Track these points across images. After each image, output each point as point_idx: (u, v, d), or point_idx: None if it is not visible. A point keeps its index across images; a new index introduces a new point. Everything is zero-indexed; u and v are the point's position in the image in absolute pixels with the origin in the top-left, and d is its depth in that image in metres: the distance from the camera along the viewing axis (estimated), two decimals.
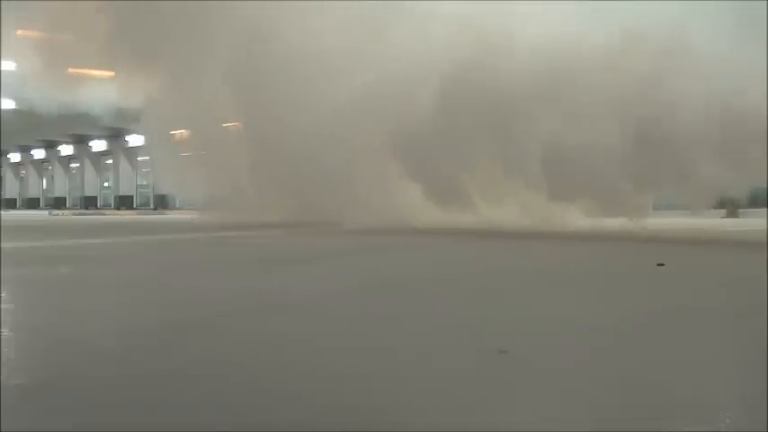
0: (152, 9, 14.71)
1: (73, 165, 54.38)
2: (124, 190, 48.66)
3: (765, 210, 15.22)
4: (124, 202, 47.22)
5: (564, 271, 6.05)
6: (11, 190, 59.36)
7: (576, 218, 12.37)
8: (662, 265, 5.82)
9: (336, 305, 4.04)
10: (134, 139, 42.15)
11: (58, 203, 51.70)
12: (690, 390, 2.29)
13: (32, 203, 56.29)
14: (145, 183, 46.22)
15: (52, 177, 56.37)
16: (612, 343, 2.99)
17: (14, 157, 58.31)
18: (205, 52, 15.06)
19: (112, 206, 47.33)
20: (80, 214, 37.51)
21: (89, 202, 50.31)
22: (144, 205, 45.61)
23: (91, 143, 49.68)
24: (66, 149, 53.29)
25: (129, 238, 12.28)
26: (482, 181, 12.83)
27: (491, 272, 6.12)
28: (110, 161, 50.25)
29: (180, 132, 20.67)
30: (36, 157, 56.93)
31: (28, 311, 4.01)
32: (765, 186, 12.24)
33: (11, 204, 55.48)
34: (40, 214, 37.66)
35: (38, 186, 58.23)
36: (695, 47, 9.47)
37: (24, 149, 55.88)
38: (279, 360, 2.67)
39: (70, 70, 20.73)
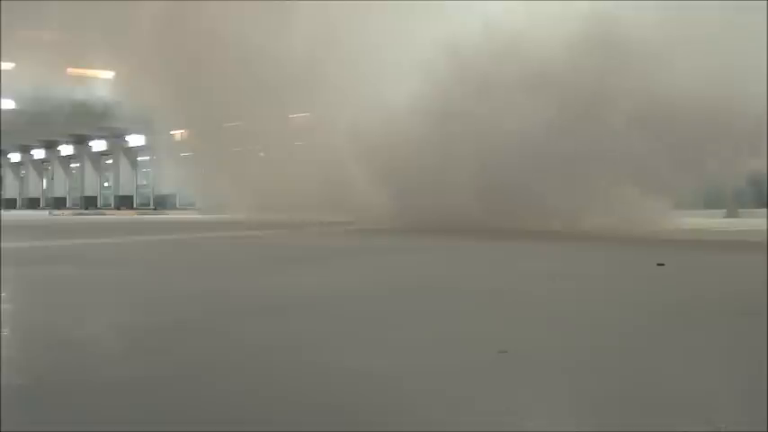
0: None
1: (73, 165, 54.32)
2: (124, 190, 48.61)
3: (765, 210, 15.22)
4: (124, 202, 47.17)
5: (563, 271, 6.05)
6: (11, 190, 59.27)
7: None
8: (662, 264, 5.81)
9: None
10: (134, 139, 42.12)
11: (58, 203, 51.63)
12: (690, 389, 2.29)
13: (32, 203, 56.22)
14: (145, 183, 46.22)
15: (52, 177, 56.29)
16: (612, 342, 2.99)
17: (14, 157, 58.25)
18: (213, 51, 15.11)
19: (112, 206, 47.28)
20: (80, 214, 37.45)
21: (89, 202, 50.24)
22: (144, 205, 45.58)
23: (91, 143, 49.63)
24: (66, 149, 53.23)
25: (130, 238, 12.27)
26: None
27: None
28: (110, 161, 50.22)
29: (181, 132, 20.69)
30: (36, 157, 56.87)
31: (28, 311, 4.01)
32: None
33: (11, 204, 55.39)
34: (40, 214, 37.63)
35: (38, 186, 58.15)
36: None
37: (24, 149, 55.83)
38: (280, 361, 2.67)
39: (70, 70, 20.75)
